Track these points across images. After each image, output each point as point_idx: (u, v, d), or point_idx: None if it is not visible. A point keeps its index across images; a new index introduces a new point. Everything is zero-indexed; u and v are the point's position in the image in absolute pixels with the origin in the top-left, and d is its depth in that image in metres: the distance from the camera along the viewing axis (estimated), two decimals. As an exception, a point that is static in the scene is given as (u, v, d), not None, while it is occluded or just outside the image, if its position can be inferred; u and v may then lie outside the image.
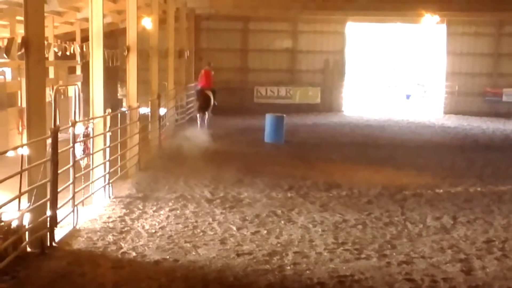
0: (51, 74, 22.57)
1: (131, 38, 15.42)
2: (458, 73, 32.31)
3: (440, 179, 15.14)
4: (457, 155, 19.11)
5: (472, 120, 29.52)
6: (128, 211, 11.29)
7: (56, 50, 21.97)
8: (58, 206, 9.30)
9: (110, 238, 9.56)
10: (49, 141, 9.14)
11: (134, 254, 8.84)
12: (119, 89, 29.58)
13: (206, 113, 23.79)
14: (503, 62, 32.23)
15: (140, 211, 11.30)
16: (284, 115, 21.74)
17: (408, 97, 33.28)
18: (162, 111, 20.19)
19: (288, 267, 8.42)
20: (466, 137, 23.79)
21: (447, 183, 14.59)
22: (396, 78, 33.43)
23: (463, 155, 18.97)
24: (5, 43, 15.47)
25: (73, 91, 19.62)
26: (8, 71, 19.29)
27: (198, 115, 24.01)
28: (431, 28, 31.49)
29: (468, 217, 11.37)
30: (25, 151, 8.69)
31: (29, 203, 8.70)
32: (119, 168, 13.68)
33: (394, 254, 9.11)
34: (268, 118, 21.16)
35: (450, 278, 8.11)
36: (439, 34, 32.48)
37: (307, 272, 8.27)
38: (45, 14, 12.09)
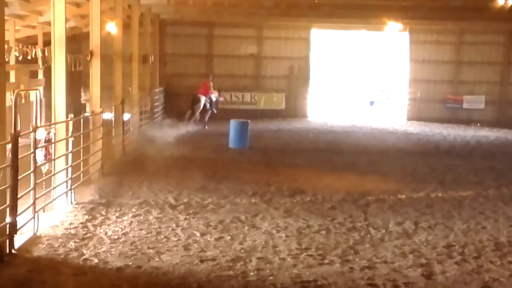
0: (12, 78, 22.18)
1: (95, 42, 15.29)
2: (421, 80, 32.79)
3: (403, 184, 15.33)
4: (419, 161, 19.36)
5: (433, 127, 29.96)
6: (90, 217, 11.17)
7: (17, 54, 21.63)
8: (18, 212, 9.15)
9: (71, 244, 9.44)
10: (9, 146, 9.00)
11: (96, 260, 8.74)
12: (82, 94, 29.25)
13: (194, 115, 26.35)
14: (464, 69, 32.82)
15: (103, 217, 11.19)
16: (249, 121, 21.78)
17: (371, 103, 33.63)
18: (126, 116, 20.04)
19: (252, 273, 8.42)
20: (428, 143, 24.13)
21: (409, 189, 14.78)
22: (359, 84, 33.76)
23: (425, 161, 19.24)
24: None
25: (34, 95, 19.32)
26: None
27: (186, 116, 26.42)
28: (394, 35, 31.92)
29: (429, 222, 11.53)
30: (-16, 156, 8.53)
31: (-12, 210, 8.54)
32: (81, 174, 13.53)
33: (357, 259, 9.18)
34: (233, 124, 21.17)
35: (411, 283, 8.21)
36: (402, 41, 32.94)
37: (271, 277, 8.29)
38: (6, 18, 11.93)
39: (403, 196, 13.94)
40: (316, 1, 26.23)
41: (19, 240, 9.26)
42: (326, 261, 9.03)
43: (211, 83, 27.22)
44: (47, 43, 19.74)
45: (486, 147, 23.58)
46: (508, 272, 8.75)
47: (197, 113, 26.45)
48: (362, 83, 33.82)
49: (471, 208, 12.96)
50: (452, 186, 15.28)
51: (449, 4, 25.41)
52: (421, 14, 27.55)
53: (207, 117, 26.86)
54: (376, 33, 32.42)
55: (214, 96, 27.20)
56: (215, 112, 26.75)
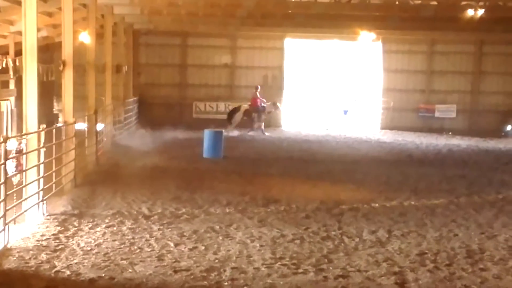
0: (-17, 89, 21.95)
1: (67, 52, 15.16)
2: (393, 90, 33.12)
3: (376, 193, 15.42)
4: (393, 169, 19.51)
5: (406, 135, 30.24)
6: (62, 228, 11.04)
7: (-12, 64, 21.38)
8: (-11, 224, 9.01)
9: (43, 256, 9.32)
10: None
11: (68, 272, 8.64)
12: (55, 104, 28.98)
13: (230, 124, 28.75)
14: (435, 79, 33.25)
15: (76, 229, 11.08)
16: (223, 130, 21.75)
17: (345, 112, 33.82)
18: (100, 126, 19.90)
19: (226, 283, 8.40)
20: (401, 152, 24.34)
21: (383, 197, 14.87)
22: (333, 94, 33.95)
23: (398, 170, 19.39)
24: None
25: (5, 106, 19.14)
26: None
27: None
28: (367, 45, 32.21)
29: (402, 231, 11.61)
30: (-47, 167, 8.41)
31: (-43, 222, 8.41)
32: (53, 185, 13.38)
33: (331, 268, 9.21)
34: (207, 134, 21.13)
35: (384, 291, 8.26)
36: (375, 51, 33.25)
37: (245, 287, 8.27)
38: (-23, 27, 11.79)
39: (377, 205, 14.03)
40: (290, 11, 26.35)
41: (-11, 252, 9.13)
42: (300, 270, 9.04)
43: (258, 93, 29.11)
44: (18, 52, 19.52)
45: (457, 155, 23.86)
46: (480, 279, 8.84)
47: (234, 122, 28.82)
48: (336, 92, 34.00)
49: (443, 216, 13.09)
50: (425, 194, 15.42)
51: (420, 15, 25.71)
52: (393, 24, 27.85)
53: (261, 125, 28.93)
54: (349, 43, 32.69)
55: (263, 105, 29.06)
56: (262, 120, 29.07)
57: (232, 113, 29.28)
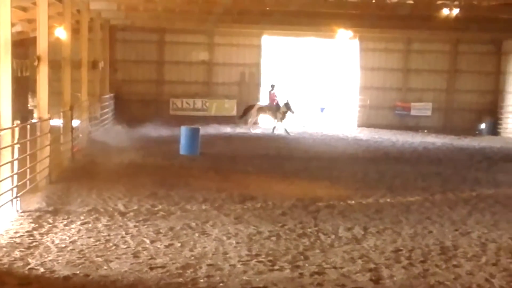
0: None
1: (42, 48, 15.00)
2: (370, 87, 33.34)
3: (353, 190, 15.51)
4: (369, 167, 19.63)
5: (383, 133, 30.45)
6: (37, 225, 10.93)
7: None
8: (-39, 221, 8.90)
9: (16, 254, 9.22)
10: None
11: (42, 270, 8.56)
12: (29, 100, 28.69)
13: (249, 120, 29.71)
14: (412, 77, 33.54)
15: (50, 225, 10.98)
16: (200, 127, 21.72)
17: (322, 110, 33.93)
18: (75, 123, 19.74)
19: (202, 280, 8.38)
20: (378, 150, 24.50)
21: (359, 195, 14.95)
22: (310, 91, 34.04)
23: (375, 167, 19.51)
24: None
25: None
26: None
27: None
28: (344, 43, 32.35)
29: (378, 228, 11.69)
30: None
31: None
32: (28, 181, 13.25)
33: (307, 265, 9.24)
34: (184, 130, 21.08)
35: (359, 288, 8.32)
36: (352, 49, 33.41)
37: (221, 284, 8.26)
38: (-51, 21, 11.64)
39: (353, 202, 14.11)
40: (267, 8, 26.39)
41: (-39, 249, 9.01)
42: (276, 267, 9.06)
43: (273, 92, 29.34)
44: (-8, 47, 19.24)
45: (433, 153, 24.09)
46: (453, 276, 8.94)
47: (250, 119, 29.54)
48: (313, 90, 34.10)
49: (418, 213, 13.20)
50: (400, 192, 15.54)
51: (397, 13, 25.92)
52: (370, 22, 28.03)
53: (282, 124, 28.91)
54: (326, 41, 32.80)
55: (279, 103, 29.07)
56: (279, 118, 29.10)
57: (246, 110, 29.56)
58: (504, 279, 8.87)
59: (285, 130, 28.63)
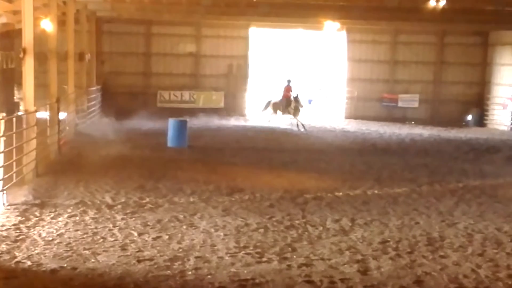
0: None
1: (28, 39, 14.87)
2: (358, 79, 33.36)
3: (340, 182, 15.56)
4: (356, 158, 19.69)
5: (370, 125, 30.51)
6: (23, 218, 10.88)
7: None
8: None
9: (3, 247, 9.18)
10: None
11: (29, 263, 8.53)
12: (15, 92, 28.46)
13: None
14: (399, 69, 33.58)
15: (37, 219, 10.93)
16: (187, 120, 21.68)
17: (310, 102, 33.95)
18: (62, 115, 19.62)
19: (190, 272, 8.39)
20: (365, 141, 24.57)
21: (347, 186, 15.01)
22: (298, 83, 34.03)
23: (362, 159, 19.58)
24: None
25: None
26: None
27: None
28: (332, 35, 32.33)
29: (365, 219, 11.74)
30: None
31: None
32: (14, 174, 13.17)
33: (295, 256, 9.27)
34: (171, 123, 21.03)
35: (347, 279, 8.35)
36: (340, 41, 33.41)
37: (209, 276, 8.27)
38: None
39: (341, 194, 14.15)
40: (255, 0, 26.30)
41: None
42: (264, 259, 9.08)
43: (289, 86, 28.89)
44: (-23, 39, 19.13)
45: (420, 144, 24.19)
46: (440, 266, 9.00)
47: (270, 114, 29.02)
48: (301, 81, 34.11)
49: (405, 204, 13.27)
50: (388, 183, 15.61)
51: (384, 5, 25.93)
52: (357, 14, 28.00)
53: (298, 119, 27.90)
54: (314, 32, 32.77)
55: (290, 98, 28.40)
56: (291, 112, 28.31)
57: (266, 105, 29.22)
58: (490, 269, 8.95)
59: (301, 125, 27.57)
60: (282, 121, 29.18)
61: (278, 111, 28.65)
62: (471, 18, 28.54)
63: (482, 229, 11.29)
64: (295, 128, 27.54)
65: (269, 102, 29.12)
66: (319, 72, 34.57)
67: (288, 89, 28.66)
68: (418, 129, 29.48)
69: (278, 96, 29.07)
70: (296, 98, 28.22)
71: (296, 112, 27.98)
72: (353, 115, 33.10)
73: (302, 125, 27.52)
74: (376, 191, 14.59)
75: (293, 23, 31.23)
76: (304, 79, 34.26)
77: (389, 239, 10.39)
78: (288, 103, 28.26)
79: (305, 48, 34.09)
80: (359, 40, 33.31)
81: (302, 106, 28.22)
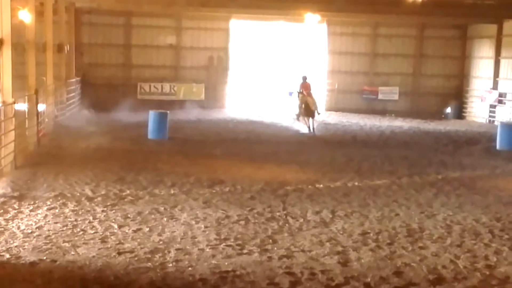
0: None
1: (5, 30, 14.67)
2: (338, 72, 33.47)
3: (321, 174, 15.60)
4: (337, 151, 19.76)
5: (351, 117, 30.64)
6: (2, 211, 10.77)
7: None
8: None
9: (-19, 240, 9.10)
10: None
11: (8, 256, 8.45)
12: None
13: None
14: (379, 61, 33.74)
15: (16, 211, 10.83)
16: (168, 112, 21.61)
17: (290, 94, 33.96)
18: (41, 107, 19.45)
19: (170, 264, 8.37)
20: (345, 134, 24.67)
21: (327, 178, 15.06)
22: (278, 75, 34.04)
23: (343, 151, 19.65)
24: None
25: None
26: None
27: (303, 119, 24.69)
28: (313, 27, 32.36)
29: (345, 211, 11.79)
30: None
31: None
32: (-8, 167, 13.04)
33: (275, 248, 9.28)
34: (152, 115, 20.95)
35: (328, 270, 8.38)
36: (320, 33, 33.45)
37: (189, 268, 8.26)
38: None
39: (321, 186, 14.20)
40: (235, -8, 26.25)
41: None
42: (244, 251, 9.08)
43: (308, 83, 25.04)
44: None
45: (400, 137, 24.35)
46: (419, 257, 9.07)
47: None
48: (281, 74, 34.11)
49: (385, 196, 13.35)
50: (368, 175, 15.69)
51: (365, -2, 26.04)
52: (338, 7, 28.05)
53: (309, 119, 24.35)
54: (294, 25, 32.77)
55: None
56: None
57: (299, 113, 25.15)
58: (468, 260, 9.04)
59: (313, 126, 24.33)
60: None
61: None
62: (450, 11, 28.76)
63: (460, 220, 11.40)
64: (306, 131, 23.99)
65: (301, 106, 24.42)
66: (300, 64, 34.56)
67: (306, 86, 24.80)
68: (398, 122, 29.68)
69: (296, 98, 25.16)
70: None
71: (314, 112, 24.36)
72: (333, 107, 33.22)
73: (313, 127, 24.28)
74: (356, 183, 14.66)
75: (274, 15, 31.25)
76: (284, 71, 34.23)
77: (369, 231, 10.44)
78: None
79: (286, 40, 34.05)
80: (339, 32, 33.41)
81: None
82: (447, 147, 21.81)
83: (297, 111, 24.82)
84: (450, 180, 15.47)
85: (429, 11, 27.77)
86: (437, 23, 33.02)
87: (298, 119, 25.18)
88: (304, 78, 25.16)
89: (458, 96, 33.36)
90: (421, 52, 33.71)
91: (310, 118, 24.20)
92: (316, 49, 34.10)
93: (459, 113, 32.83)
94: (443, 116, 32.66)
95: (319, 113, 25.12)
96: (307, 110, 24.03)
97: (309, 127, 24.10)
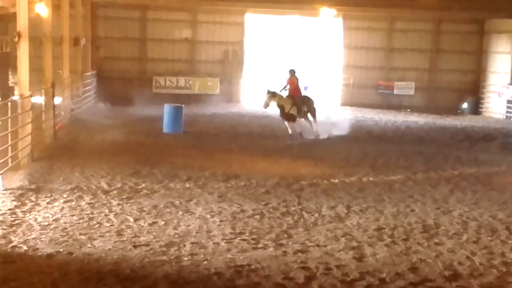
0: None
1: (22, 23, 14.76)
2: (353, 66, 33.31)
3: (336, 169, 15.57)
4: (352, 146, 19.69)
5: (366, 112, 30.51)
6: (19, 203, 10.87)
7: None
8: None
9: (-1, 231, 9.18)
10: None
11: (25, 247, 8.53)
12: (10, 76, 28.33)
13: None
14: (395, 56, 33.53)
15: (33, 203, 10.92)
16: (183, 106, 21.63)
17: (305, 88, 33.87)
18: (57, 100, 19.55)
19: (186, 258, 8.40)
20: (361, 129, 24.57)
21: (342, 173, 15.02)
22: (294, 69, 33.96)
23: (358, 146, 19.58)
24: None
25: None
26: None
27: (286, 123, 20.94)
28: (328, 21, 32.23)
29: (361, 206, 11.76)
30: None
31: None
32: (9, 159, 13.14)
33: (290, 243, 9.29)
34: (167, 108, 20.98)
35: (343, 265, 8.37)
36: (336, 27, 33.31)
37: (205, 262, 8.29)
38: None
39: (336, 181, 14.16)
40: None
41: None
42: (260, 245, 9.10)
43: (295, 79, 21.15)
44: (-28, 23, 19.00)
45: (415, 132, 24.23)
46: (435, 253, 9.04)
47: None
48: (297, 68, 34.00)
49: (400, 191, 13.30)
50: (383, 171, 15.63)
51: (381, -8, 25.90)
52: (354, 1, 27.96)
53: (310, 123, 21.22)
54: (310, 19, 32.66)
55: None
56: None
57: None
58: (485, 257, 8.99)
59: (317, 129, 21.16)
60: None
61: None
62: (467, 6, 28.55)
63: (477, 216, 11.33)
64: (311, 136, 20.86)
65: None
66: (315, 59, 34.44)
67: (293, 82, 21.13)
68: (414, 117, 29.51)
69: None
70: (305, 98, 21.42)
71: (311, 113, 21.16)
72: (348, 102, 33.08)
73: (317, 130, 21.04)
74: (371, 178, 14.62)
75: (289, 9, 31.14)
76: (300, 66, 34.13)
77: (384, 226, 10.42)
78: (301, 105, 20.77)
79: (301, 35, 33.94)
80: (355, 27, 33.22)
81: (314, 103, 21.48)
82: (463, 142, 21.68)
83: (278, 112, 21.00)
84: (466, 176, 15.38)
85: (446, 6, 27.63)
86: (454, 17, 32.73)
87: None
88: (292, 73, 21.18)
89: (475, 91, 33.09)
90: (437, 47, 33.45)
91: (307, 120, 21.05)
92: (331, 44, 33.97)
93: (476, 109, 32.57)
94: (459, 111, 32.44)
95: (314, 117, 21.16)
96: (283, 113, 20.66)
97: (295, 131, 20.60)
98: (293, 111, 20.54)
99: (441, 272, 8.29)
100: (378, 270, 8.26)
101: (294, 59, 33.96)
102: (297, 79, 21.25)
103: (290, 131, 20.67)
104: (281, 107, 20.64)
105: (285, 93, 21.08)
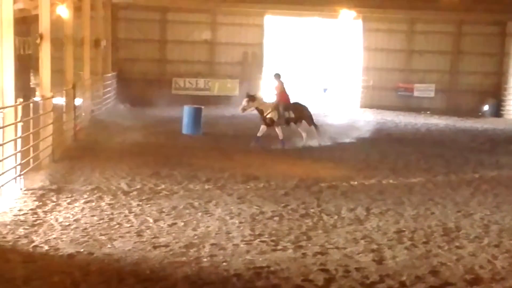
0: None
1: (44, 25, 14.92)
2: (373, 68, 33.20)
3: (355, 171, 15.50)
4: (371, 148, 19.61)
5: (385, 114, 30.39)
6: (40, 203, 10.96)
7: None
8: (-35, 199, 8.91)
9: (21, 231, 9.25)
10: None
11: (46, 247, 8.60)
12: (32, 78, 28.61)
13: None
14: (415, 58, 33.37)
15: (54, 204, 11.00)
16: (202, 107, 21.69)
17: (325, 90, 33.84)
18: (78, 101, 19.71)
19: (205, 259, 8.41)
20: (380, 131, 24.45)
21: (362, 175, 14.95)
22: (313, 71, 33.92)
23: (377, 148, 19.49)
24: None
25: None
26: None
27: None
28: (348, 23, 32.16)
29: (380, 208, 11.69)
30: None
31: None
32: (31, 160, 13.26)
33: (310, 245, 9.26)
34: (186, 110, 21.06)
35: (362, 268, 8.33)
36: (356, 29, 33.22)
37: (224, 264, 8.29)
38: (-48, -2, 11.56)
39: (356, 183, 14.10)
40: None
41: (-34, 227, 9.04)
42: (279, 247, 9.08)
43: (280, 83, 19.73)
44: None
45: (435, 134, 24.07)
46: (455, 257, 8.96)
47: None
48: (316, 70, 33.98)
49: (420, 194, 13.20)
50: (403, 173, 15.53)
51: (401, -6, 25.79)
52: (374, 3, 27.91)
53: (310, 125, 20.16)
54: (330, 21, 32.62)
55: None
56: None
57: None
58: (507, 261, 8.89)
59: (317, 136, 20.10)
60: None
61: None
62: (489, 8, 28.34)
63: (498, 220, 11.22)
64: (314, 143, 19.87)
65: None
66: (335, 61, 34.38)
67: (278, 88, 19.75)
68: (434, 119, 29.32)
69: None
70: (296, 105, 20.03)
71: (305, 120, 20.04)
72: (368, 104, 32.98)
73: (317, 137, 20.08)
74: (391, 181, 14.53)
75: (308, 11, 31.14)
76: (319, 68, 34.10)
77: (404, 229, 10.34)
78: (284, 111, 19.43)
79: (320, 37, 33.89)
80: (375, 28, 33.12)
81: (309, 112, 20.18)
82: (484, 145, 21.49)
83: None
84: (487, 179, 15.23)
85: (468, 7, 27.45)
86: (475, 19, 32.49)
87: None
88: (277, 77, 19.82)
89: (496, 93, 32.81)
90: (458, 49, 33.24)
91: (299, 127, 19.92)
92: (351, 46, 33.88)
93: (497, 111, 32.29)
94: (480, 114, 32.19)
95: (310, 124, 20.02)
96: (261, 117, 19.52)
97: (260, 136, 19.40)
98: (273, 116, 19.31)
99: (462, 276, 8.21)
100: (398, 273, 8.20)
101: (313, 61, 33.96)
102: (282, 84, 19.77)
103: (258, 134, 19.48)
104: (260, 111, 19.49)
105: (272, 98, 20.04)
